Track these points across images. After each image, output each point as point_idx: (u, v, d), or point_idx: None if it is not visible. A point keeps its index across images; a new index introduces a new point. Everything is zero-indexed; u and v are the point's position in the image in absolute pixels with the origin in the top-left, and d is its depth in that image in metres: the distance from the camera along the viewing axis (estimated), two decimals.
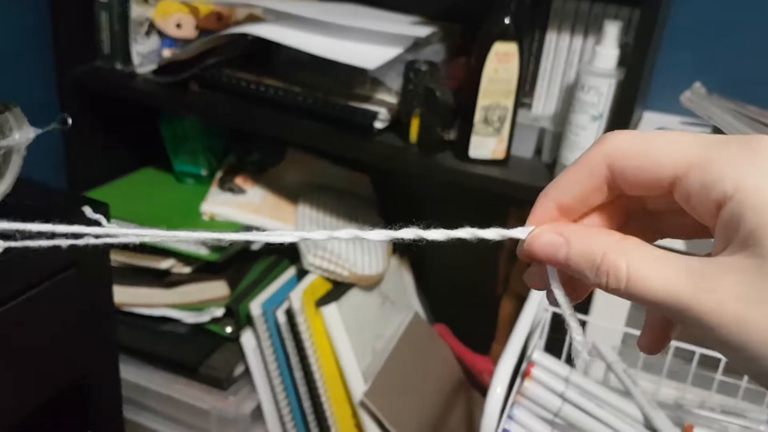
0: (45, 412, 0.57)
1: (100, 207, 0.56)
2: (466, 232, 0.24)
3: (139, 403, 0.96)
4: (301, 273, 0.95)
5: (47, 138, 0.53)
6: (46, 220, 0.26)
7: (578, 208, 0.25)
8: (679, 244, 0.65)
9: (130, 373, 0.93)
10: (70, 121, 0.50)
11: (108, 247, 0.58)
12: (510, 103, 0.77)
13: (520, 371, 0.60)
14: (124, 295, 0.93)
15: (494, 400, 0.49)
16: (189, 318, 0.95)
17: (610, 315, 0.73)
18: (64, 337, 0.57)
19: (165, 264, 0.93)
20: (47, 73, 0.96)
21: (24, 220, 0.26)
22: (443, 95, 0.79)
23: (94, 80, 0.96)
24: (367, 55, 0.78)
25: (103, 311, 0.61)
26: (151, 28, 0.95)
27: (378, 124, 0.83)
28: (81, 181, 1.03)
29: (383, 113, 0.83)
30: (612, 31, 0.72)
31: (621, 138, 0.23)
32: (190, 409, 0.94)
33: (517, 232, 0.25)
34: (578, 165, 0.24)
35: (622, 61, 0.73)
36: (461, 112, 0.80)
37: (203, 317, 0.94)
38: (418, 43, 0.84)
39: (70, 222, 0.26)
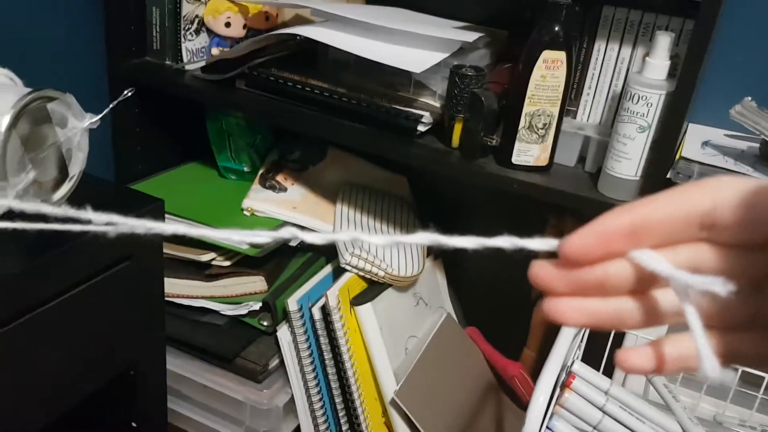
0: (93, 400, 0.59)
1: (156, 202, 0.58)
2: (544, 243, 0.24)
3: (176, 391, 0.98)
4: (337, 271, 0.96)
5: (95, 131, 0.55)
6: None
7: (654, 231, 0.24)
8: None
9: (168, 361, 0.96)
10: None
11: (161, 242, 0.60)
12: (556, 110, 0.77)
13: (559, 382, 0.60)
14: (165, 285, 0.95)
15: (536, 411, 0.49)
16: (227, 310, 0.97)
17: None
18: (117, 328, 0.59)
19: (206, 257, 0.95)
20: (99, 67, 0.99)
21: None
22: (488, 101, 0.79)
23: (143, 75, 0.98)
24: (413, 58, 0.79)
25: (154, 304, 0.62)
26: (201, 25, 0.97)
27: (421, 128, 0.84)
28: (127, 174, 1.05)
29: (426, 116, 0.84)
30: (664, 41, 0.71)
31: (730, 180, 0.23)
32: (224, 399, 0.96)
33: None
34: (675, 190, 0.24)
35: (671, 73, 0.73)
36: (505, 117, 0.80)
37: (241, 310, 0.96)
38: (463, 48, 0.84)
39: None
